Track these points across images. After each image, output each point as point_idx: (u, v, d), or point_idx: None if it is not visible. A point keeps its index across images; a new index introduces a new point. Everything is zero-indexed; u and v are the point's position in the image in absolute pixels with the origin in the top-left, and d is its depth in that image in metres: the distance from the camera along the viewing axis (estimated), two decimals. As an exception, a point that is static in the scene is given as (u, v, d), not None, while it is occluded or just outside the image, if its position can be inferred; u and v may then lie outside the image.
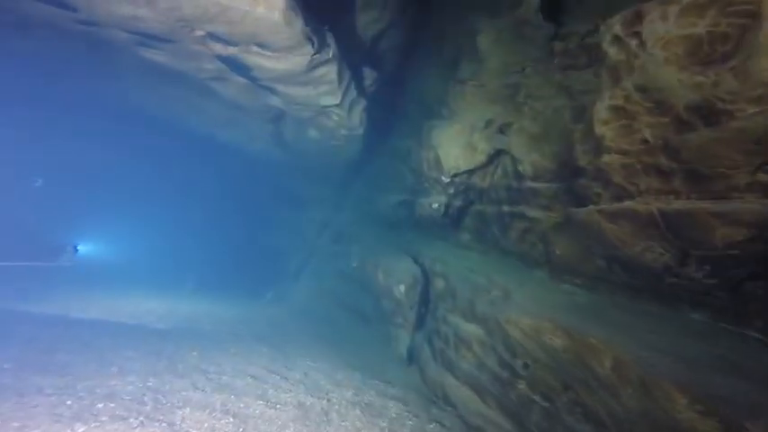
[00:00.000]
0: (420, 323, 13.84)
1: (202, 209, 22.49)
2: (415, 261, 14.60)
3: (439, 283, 13.62)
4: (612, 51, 7.02)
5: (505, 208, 11.97)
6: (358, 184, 19.44)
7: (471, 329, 11.27)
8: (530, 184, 10.86)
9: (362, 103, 13.18)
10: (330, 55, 10.41)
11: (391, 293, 13.70)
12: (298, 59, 10.15)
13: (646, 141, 6.73)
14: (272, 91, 12.19)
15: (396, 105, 16.40)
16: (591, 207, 8.21)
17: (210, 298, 18.60)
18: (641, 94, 6.59)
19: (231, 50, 10.17)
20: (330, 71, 10.92)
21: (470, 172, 12.31)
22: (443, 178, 12.60)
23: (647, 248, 7.14)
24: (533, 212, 10.90)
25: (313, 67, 10.64)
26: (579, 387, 7.55)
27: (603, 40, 7.17)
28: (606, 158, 7.44)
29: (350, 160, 17.00)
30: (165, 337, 11.73)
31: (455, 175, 12.35)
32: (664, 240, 6.81)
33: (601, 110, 7.38)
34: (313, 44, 9.76)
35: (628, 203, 7.24)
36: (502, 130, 11.83)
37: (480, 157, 11.76)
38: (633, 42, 6.45)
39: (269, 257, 22.53)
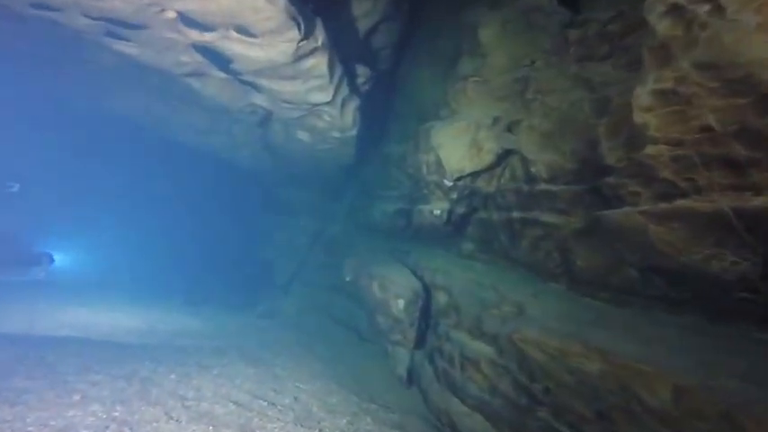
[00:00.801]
0: (421, 341, 12.50)
1: (188, 220, 21.04)
2: (414, 273, 13.24)
3: (441, 297, 12.30)
4: (664, 26, 5.69)
5: (515, 214, 10.68)
6: (351, 192, 18.12)
7: (479, 348, 10.12)
8: (544, 186, 9.56)
9: (356, 102, 11.83)
10: (319, 43, 9.06)
11: (388, 309, 12.29)
12: (282, 47, 8.79)
13: (708, 129, 5.39)
14: (256, 87, 10.83)
15: (391, 107, 15.11)
16: (628, 209, 6.90)
17: (198, 312, 17.09)
18: (704, 73, 5.27)
19: (208, 37, 8.81)
20: (320, 63, 9.57)
21: (475, 174, 10.99)
22: (446, 182, 11.25)
23: (714, 256, 5.81)
24: (549, 218, 9.60)
25: (300, 56, 9.30)
26: (618, 416, 6.44)
27: (651, 13, 5.84)
28: (650, 150, 6.11)
29: (343, 166, 15.62)
30: (141, 356, 10.27)
31: (459, 178, 11.02)
32: (742, 246, 5.47)
33: (642, 96, 6.05)
34: (299, 28, 8.42)
35: (682, 202, 5.91)
36: (510, 129, 10.52)
37: (488, 157, 10.44)
38: (703, 9, 5.10)
39: (259, 269, 21.12)
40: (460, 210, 11.93)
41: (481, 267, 12.65)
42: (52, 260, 16.96)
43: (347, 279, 14.81)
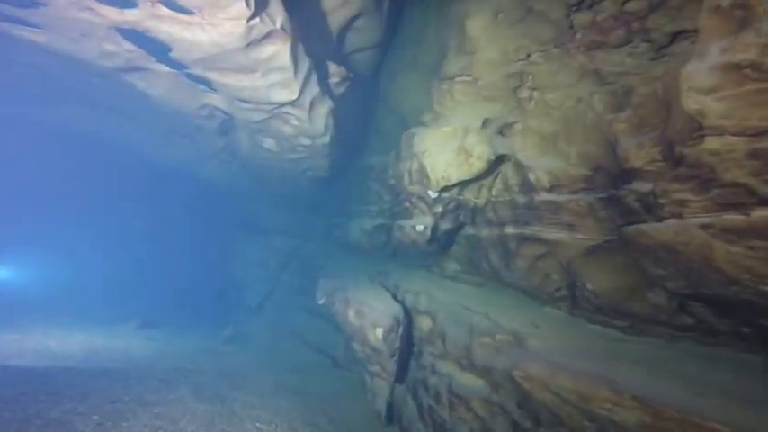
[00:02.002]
0: (402, 372, 10.67)
1: (150, 237, 18.86)
2: (395, 296, 11.45)
3: (424, 323, 10.57)
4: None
5: (509, 230, 9.01)
6: (327, 208, 16.34)
7: (470, 382, 8.68)
8: (545, 196, 7.89)
9: (328, 104, 10.04)
10: (277, 25, 7.28)
11: (365, 338, 10.46)
12: (227, 26, 7.01)
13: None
14: (209, 84, 9.02)
15: (372, 116, 13.35)
16: (675, 221, 5.19)
17: (156, 335, 14.88)
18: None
19: (130, 15, 7.02)
20: (280, 51, 7.78)
21: (463, 184, 9.27)
22: (430, 193, 9.52)
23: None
24: (552, 234, 7.92)
25: (254, 41, 7.54)
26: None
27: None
28: (713, 145, 4.41)
29: (317, 179, 13.79)
30: (61, 391, 8.15)
31: (445, 189, 9.30)
32: None
33: (700, 74, 4.34)
34: (247, 1, 6.58)
35: (764, 213, 4.15)
36: (502, 132, 8.84)
37: (478, 164, 8.73)
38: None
39: (229, 290, 19.07)
40: (445, 225, 10.21)
41: (468, 289, 10.98)
42: None
43: (320, 302, 12.91)
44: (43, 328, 13.68)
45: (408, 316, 10.81)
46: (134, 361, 11.81)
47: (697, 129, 4.48)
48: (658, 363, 6.18)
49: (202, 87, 9.17)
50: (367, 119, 13.44)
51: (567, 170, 7.49)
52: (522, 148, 8.43)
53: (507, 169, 9.01)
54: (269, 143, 11.40)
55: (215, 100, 9.60)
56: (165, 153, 14.04)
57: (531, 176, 8.11)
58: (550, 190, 7.81)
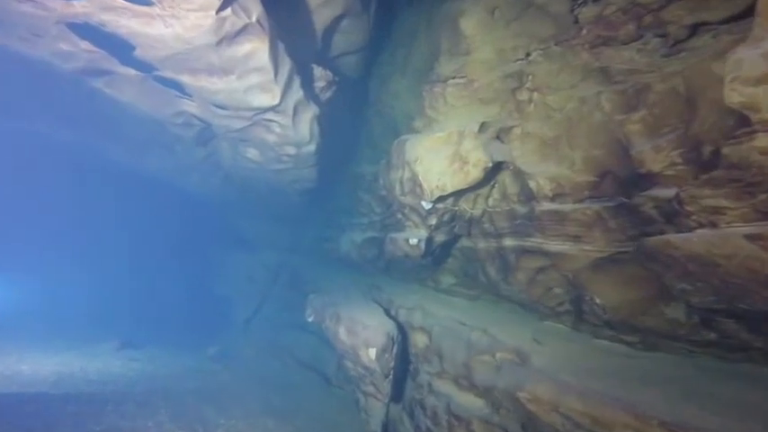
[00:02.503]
0: (397, 392, 9.93)
1: (130, 254, 17.97)
2: (388, 312, 10.70)
3: (420, 340, 9.92)
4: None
5: (508, 242, 8.35)
6: (315, 221, 15.64)
7: (470, 402, 8.11)
8: (548, 206, 7.23)
9: (313, 110, 9.31)
10: (252, 19, 6.54)
11: (357, 357, 9.72)
12: (194, 18, 6.25)
13: None
14: (180, 88, 8.28)
15: (359, 121, 12.64)
16: (709, 232, 4.50)
17: (138, 355, 13.95)
18: None
19: (80, 8, 6.22)
20: (257, 50, 7.02)
21: (459, 194, 8.55)
22: (423, 204, 8.82)
23: None
24: (556, 246, 7.25)
25: (227, 37, 6.77)
26: None
27: None
28: (764, 142, 3.67)
29: (304, 191, 13.03)
30: (24, 422, 7.33)
31: (439, 199, 8.57)
32: None
33: (749, 62, 3.65)
34: (215, -13, 5.90)
35: None
36: (500, 137, 8.16)
37: (474, 172, 8.04)
38: None
39: (214, 307, 18.25)
40: (440, 238, 9.52)
41: (464, 303, 10.39)
42: None
43: (309, 320, 12.14)
44: (18, 351, 12.75)
45: (403, 333, 10.11)
46: (111, 383, 10.96)
47: (739, 125, 3.79)
48: (676, 381, 5.55)
49: (175, 92, 8.40)
50: (356, 126, 12.75)
51: (571, 177, 6.84)
52: (522, 153, 7.79)
53: (505, 177, 8.37)
54: (252, 153, 10.65)
55: (190, 106, 8.84)
56: (144, 166, 13.24)
57: (532, 184, 7.45)
58: (553, 199, 7.16)
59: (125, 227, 16.70)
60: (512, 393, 6.68)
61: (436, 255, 9.83)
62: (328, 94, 10.02)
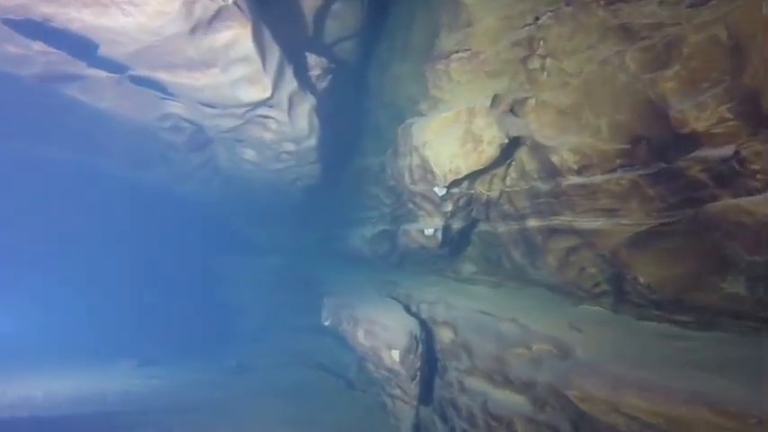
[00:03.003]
0: (427, 393, 9.29)
1: (137, 269, 17.49)
2: (408, 308, 10.08)
3: (445, 335, 9.33)
4: None
5: (532, 223, 7.73)
6: (322, 219, 15.05)
7: (507, 399, 7.35)
8: (575, 180, 6.61)
9: (310, 101, 8.65)
10: (228, 1, 5.78)
11: (380, 360, 9.12)
12: (155, 4, 5.45)
13: None
14: (160, 87, 7.61)
15: (360, 111, 11.99)
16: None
17: (158, 372, 13.47)
18: None
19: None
20: (240, 37, 6.31)
21: (474, 176, 7.89)
22: (437, 190, 8.20)
23: None
24: (587, 223, 6.59)
25: (200, 24, 6.02)
26: None
27: None
28: None
29: (308, 188, 12.42)
30: None
31: (454, 183, 7.91)
32: None
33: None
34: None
35: None
36: (513, 111, 7.49)
37: (489, 151, 7.41)
38: None
39: (226, 316, 17.72)
40: (457, 225, 8.92)
41: (487, 292, 9.76)
42: None
43: (326, 323, 11.55)
44: (34, 375, 12.32)
45: (426, 329, 9.47)
46: (130, 403, 10.48)
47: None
48: (743, 364, 4.90)
49: (157, 93, 7.70)
50: (358, 116, 12.11)
51: (597, 146, 6.21)
52: (539, 126, 7.15)
53: (522, 154, 7.76)
54: (249, 154, 10.01)
55: (176, 107, 8.15)
56: (140, 178, 12.63)
57: (554, 158, 6.82)
58: (579, 172, 6.53)
59: (127, 242, 16.18)
60: (557, 390, 6.08)
61: (455, 243, 9.23)
62: (325, 84, 9.37)
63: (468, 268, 10.03)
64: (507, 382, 7.48)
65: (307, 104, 8.62)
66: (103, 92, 7.49)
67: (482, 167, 7.67)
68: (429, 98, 9.21)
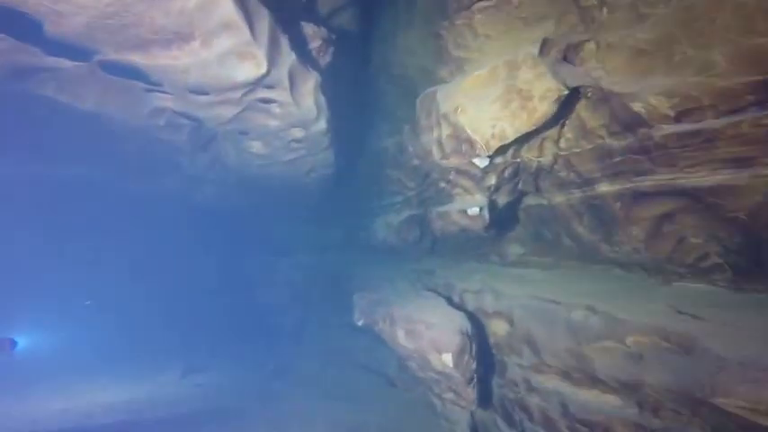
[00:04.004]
0: (485, 394, 7.60)
1: (163, 278, 16.50)
2: (450, 300, 8.36)
3: (499, 327, 7.66)
4: None
5: (604, 188, 5.90)
6: (343, 211, 13.39)
7: (598, 400, 5.81)
8: (675, 128, 4.66)
9: (314, 77, 6.80)
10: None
11: (426, 362, 7.47)
12: None
13: None
14: (141, 76, 5.83)
15: (367, 91, 10.10)
16: None
17: (201, 379, 12.37)
18: None
19: None
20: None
21: (522, 140, 6.08)
22: (477, 162, 6.41)
23: None
24: (701, 178, 4.95)
25: None
26: None
27: None
28: None
29: (323, 179, 10.67)
30: None
31: (499, 151, 6.10)
32: None
33: None
34: None
35: None
36: (568, 58, 5.63)
37: (543, 108, 5.61)
38: None
39: (259, 318, 16.48)
40: (503, 200, 7.12)
41: (540, 276, 8.03)
42: (15, 344, 12.43)
43: (359, 323, 9.89)
44: (87, 387, 11.47)
45: (475, 322, 7.72)
46: (177, 412, 9.51)
47: None
48: None
49: (138, 84, 5.91)
50: (367, 97, 10.24)
51: (711, 84, 4.36)
52: (607, 72, 5.25)
53: (580, 109, 5.89)
54: (257, 147, 8.21)
55: (165, 100, 6.35)
56: (154, 189, 11.09)
57: (637, 106, 4.96)
58: (677, 118, 4.64)
59: (156, 254, 15.36)
60: (692, 395, 4.44)
61: (501, 222, 7.42)
62: (328, 58, 7.51)
63: (515, 250, 8.27)
64: (595, 381, 5.90)
65: (311, 81, 6.75)
66: (80, 89, 5.74)
67: (533, 128, 5.84)
68: (451, 61, 7.35)
